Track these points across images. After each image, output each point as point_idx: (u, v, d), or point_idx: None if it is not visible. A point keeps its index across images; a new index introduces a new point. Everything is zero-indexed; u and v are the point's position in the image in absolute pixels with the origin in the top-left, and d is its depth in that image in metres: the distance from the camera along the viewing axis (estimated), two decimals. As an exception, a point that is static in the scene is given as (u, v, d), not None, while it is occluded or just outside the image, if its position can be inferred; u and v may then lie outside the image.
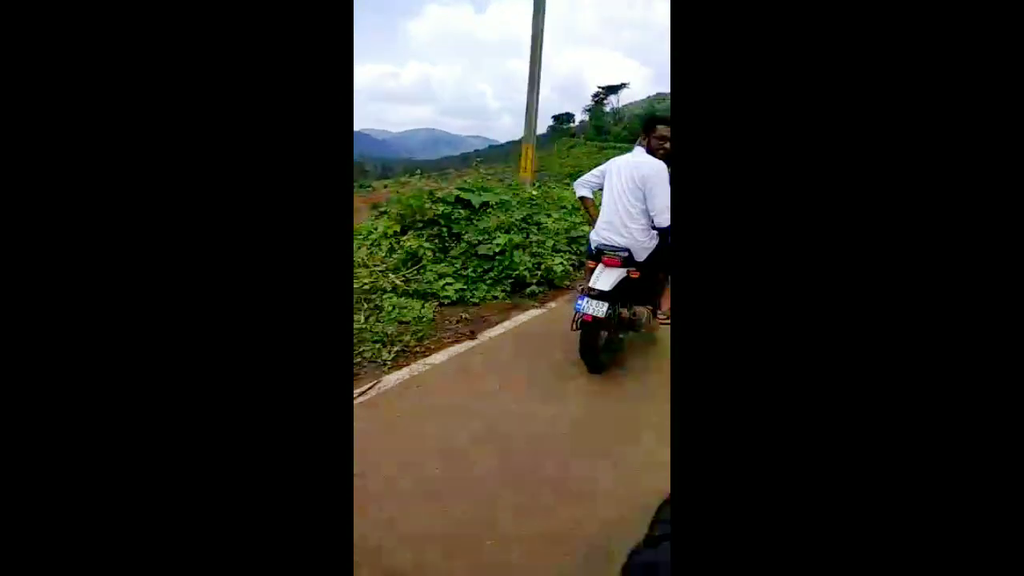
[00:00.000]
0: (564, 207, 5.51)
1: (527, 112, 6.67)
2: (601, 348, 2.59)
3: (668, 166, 2.73)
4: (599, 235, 2.65)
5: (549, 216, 4.92)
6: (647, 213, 2.55)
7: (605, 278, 2.49)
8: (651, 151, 2.63)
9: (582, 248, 4.38)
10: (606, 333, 2.64)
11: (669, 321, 2.86)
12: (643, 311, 2.71)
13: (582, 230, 4.74)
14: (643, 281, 2.65)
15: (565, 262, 4.17)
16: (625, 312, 2.64)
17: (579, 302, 2.42)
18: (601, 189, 2.73)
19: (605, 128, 53.46)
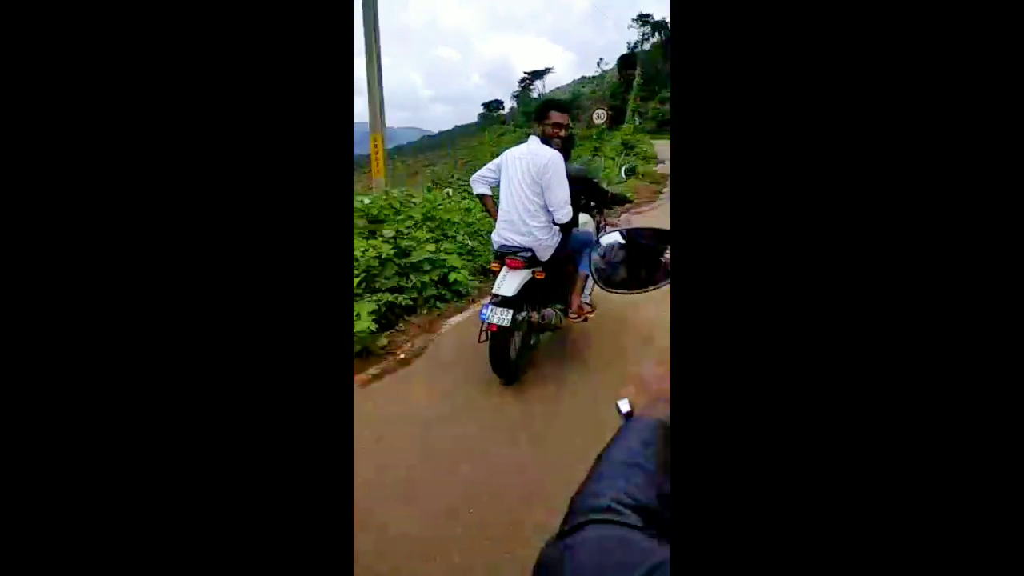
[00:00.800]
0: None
1: (369, 95, 5.40)
2: (513, 357, 2.44)
3: (566, 156, 2.58)
4: (500, 235, 2.48)
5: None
6: (547, 209, 2.39)
7: (509, 282, 2.33)
8: (546, 140, 2.46)
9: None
10: (517, 340, 2.50)
11: (581, 318, 2.77)
12: (553, 313, 2.60)
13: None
14: (550, 281, 2.53)
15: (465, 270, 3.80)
16: (535, 315, 2.51)
17: (484, 311, 2.28)
18: (499, 184, 2.54)
19: (533, 113, 54.29)
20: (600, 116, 13.30)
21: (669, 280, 0.81)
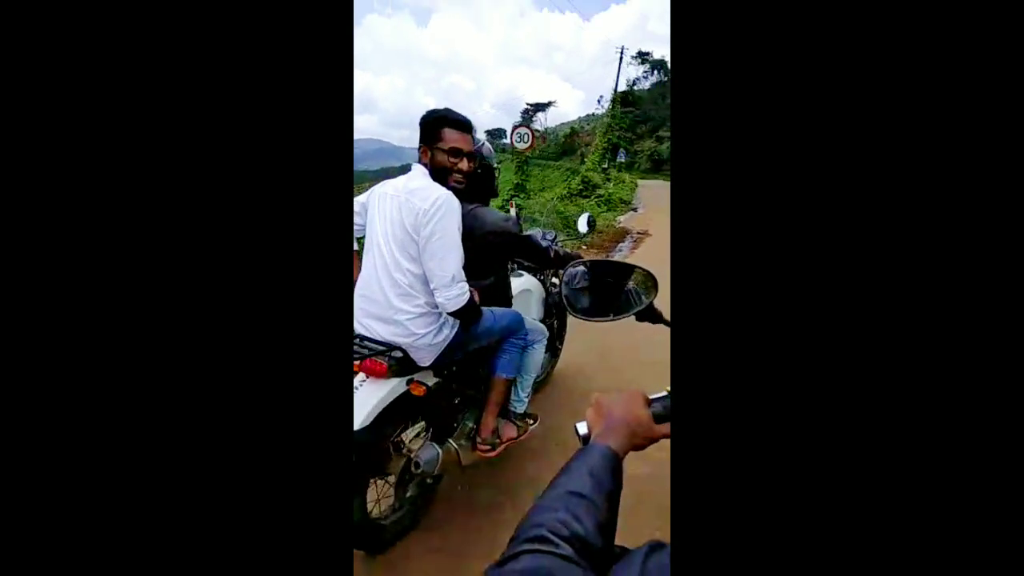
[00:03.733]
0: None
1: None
2: (376, 515, 1.57)
3: (484, 198, 1.75)
4: (357, 320, 1.52)
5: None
6: (426, 282, 1.44)
7: (362, 403, 1.36)
8: (436, 172, 1.53)
9: None
10: (387, 490, 1.62)
11: (498, 449, 1.81)
12: (433, 454, 1.62)
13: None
14: (439, 400, 1.63)
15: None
16: (400, 460, 1.55)
17: None
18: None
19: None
20: (523, 138, 9.26)
21: (634, 311, 0.89)
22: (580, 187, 12.95)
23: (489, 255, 1.71)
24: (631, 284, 0.94)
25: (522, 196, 8.99)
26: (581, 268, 0.98)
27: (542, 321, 2.42)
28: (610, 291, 0.94)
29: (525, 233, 2.05)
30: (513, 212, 3.31)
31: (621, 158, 22.53)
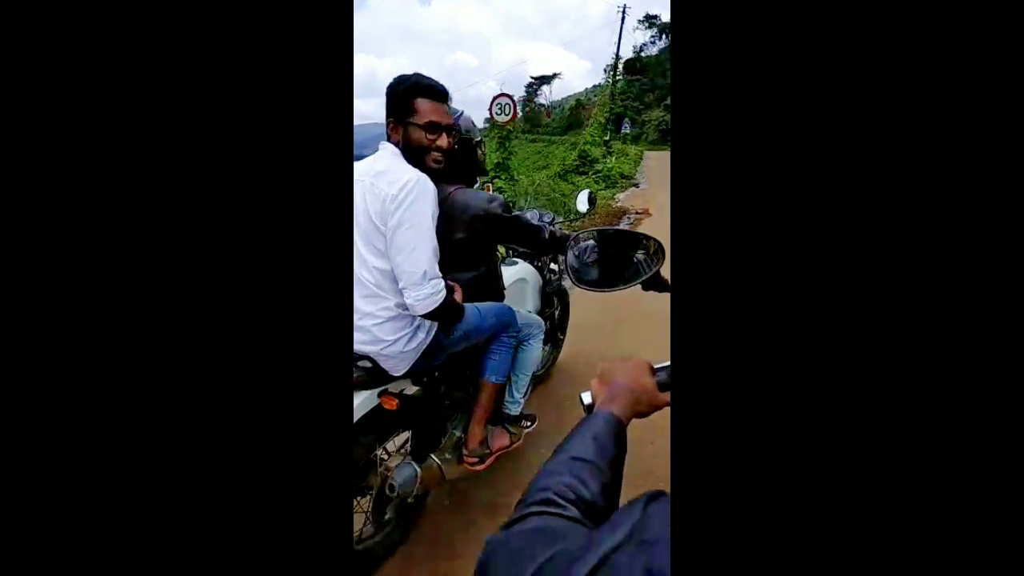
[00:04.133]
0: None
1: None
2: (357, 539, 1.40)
3: (469, 179, 1.57)
4: None
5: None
6: (394, 280, 1.22)
7: None
8: (410, 151, 1.29)
9: None
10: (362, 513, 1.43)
11: (488, 460, 1.62)
12: (411, 473, 1.44)
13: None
14: (421, 409, 1.43)
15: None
16: (375, 478, 1.40)
17: None
18: None
19: (537, 120, 52.07)
20: (503, 109, 7.00)
21: (640, 279, 0.92)
22: (576, 163, 11.89)
23: (475, 244, 1.49)
24: (639, 254, 0.94)
25: (504, 177, 7.87)
26: (591, 242, 0.97)
27: (540, 312, 2.18)
28: (618, 261, 0.94)
29: (515, 214, 1.64)
30: None
31: (626, 129, 21.19)
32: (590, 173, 11.25)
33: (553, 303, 2.47)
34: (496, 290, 1.69)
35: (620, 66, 21.59)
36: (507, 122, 7.05)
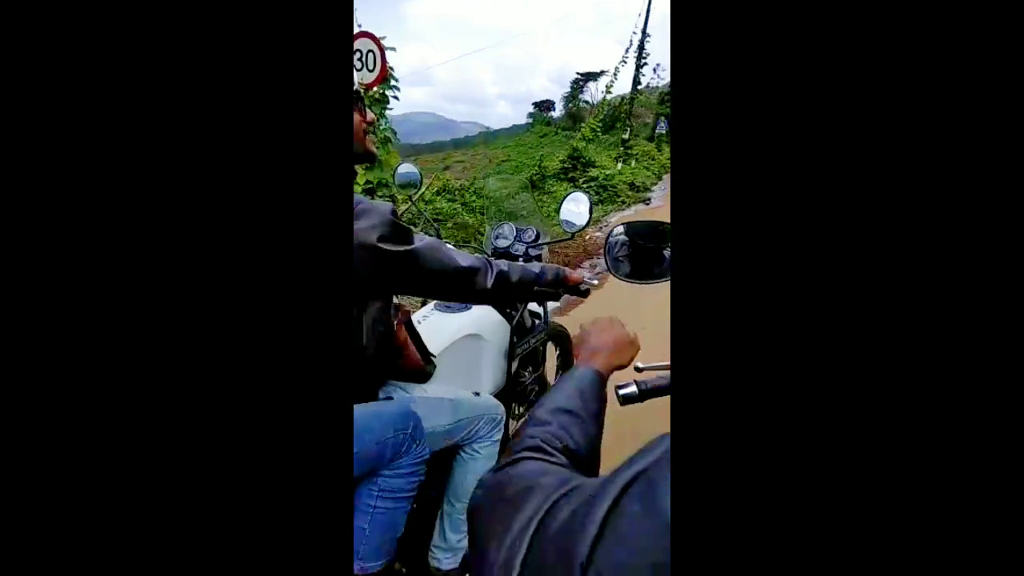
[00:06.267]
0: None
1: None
2: None
3: None
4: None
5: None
6: None
7: None
8: None
9: None
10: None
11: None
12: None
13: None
14: None
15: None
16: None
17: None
18: None
19: (581, 117, 49.00)
20: (367, 62, 3.88)
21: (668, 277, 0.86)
22: (565, 164, 8.95)
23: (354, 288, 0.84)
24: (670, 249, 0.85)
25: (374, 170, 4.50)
26: (622, 237, 0.94)
27: (512, 382, 1.42)
28: (650, 256, 0.93)
29: (421, 243, 0.87)
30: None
31: (661, 129, 17.93)
32: (580, 180, 8.27)
33: (538, 360, 1.66)
34: (414, 366, 1.08)
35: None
36: (373, 83, 4.09)
